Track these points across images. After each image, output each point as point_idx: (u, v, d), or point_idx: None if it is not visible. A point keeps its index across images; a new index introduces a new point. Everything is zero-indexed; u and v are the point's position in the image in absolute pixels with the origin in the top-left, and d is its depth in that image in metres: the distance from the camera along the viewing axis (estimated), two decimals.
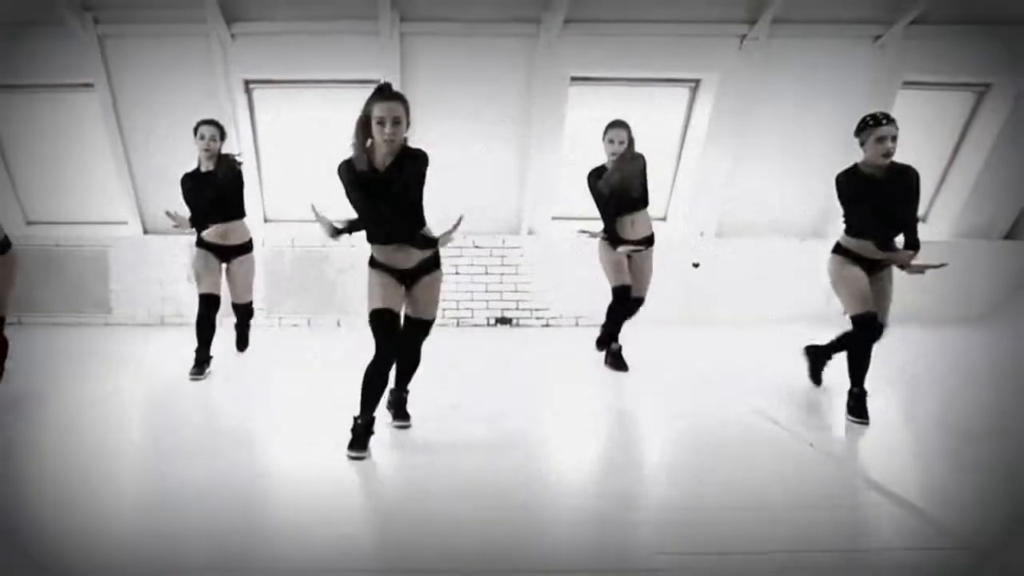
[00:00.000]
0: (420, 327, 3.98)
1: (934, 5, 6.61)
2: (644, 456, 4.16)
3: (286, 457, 3.99)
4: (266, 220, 7.63)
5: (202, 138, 5.26)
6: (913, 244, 4.32)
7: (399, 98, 3.62)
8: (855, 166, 4.36)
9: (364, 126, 3.64)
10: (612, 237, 5.55)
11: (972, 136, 7.45)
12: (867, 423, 4.35)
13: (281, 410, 4.75)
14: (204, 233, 5.43)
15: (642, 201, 5.53)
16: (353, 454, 3.73)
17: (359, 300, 7.42)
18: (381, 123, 3.56)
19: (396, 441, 4.09)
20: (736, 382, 5.40)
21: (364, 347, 5.20)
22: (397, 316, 3.86)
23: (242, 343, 6.05)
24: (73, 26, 6.47)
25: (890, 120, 4.19)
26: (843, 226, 4.59)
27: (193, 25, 6.54)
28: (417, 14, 6.61)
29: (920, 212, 7.91)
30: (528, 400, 4.99)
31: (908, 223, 4.32)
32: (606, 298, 7.66)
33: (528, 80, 6.89)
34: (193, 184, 5.37)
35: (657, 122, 7.35)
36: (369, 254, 3.93)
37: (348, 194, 3.74)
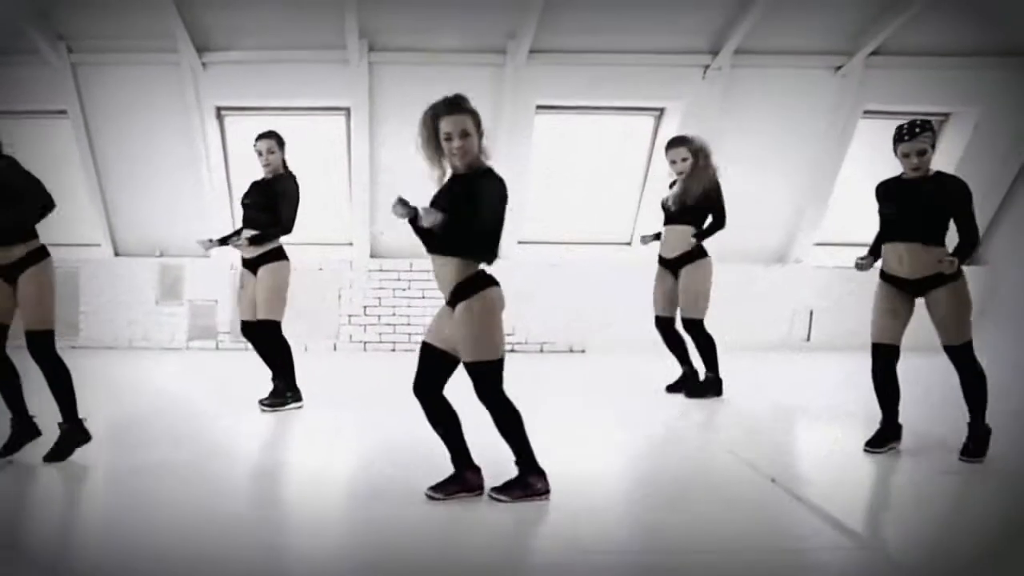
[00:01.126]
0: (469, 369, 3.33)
1: (894, 36, 6.67)
2: (597, 493, 3.84)
3: (249, 481, 3.91)
4: None
5: (260, 153, 5.12)
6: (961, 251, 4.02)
7: (466, 110, 3.24)
8: (900, 175, 4.12)
9: (431, 143, 3.30)
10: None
11: (933, 164, 7.42)
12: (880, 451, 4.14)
13: (242, 437, 4.68)
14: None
15: (679, 215, 5.39)
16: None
17: (326, 325, 7.42)
18: (448, 138, 3.24)
19: (348, 474, 4.04)
20: (697, 411, 5.29)
21: (327, 372, 5.13)
22: (434, 353, 3.38)
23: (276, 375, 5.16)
24: (47, 54, 6.50)
25: (915, 135, 3.90)
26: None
27: (165, 54, 6.57)
28: (385, 43, 6.66)
29: None
30: (489, 430, 4.87)
31: (961, 233, 4.05)
32: (571, 323, 7.66)
33: (495, 108, 6.89)
34: (248, 191, 5.23)
35: (623, 149, 7.41)
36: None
37: None
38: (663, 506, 3.51)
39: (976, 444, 4.06)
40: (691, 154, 5.32)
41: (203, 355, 7.33)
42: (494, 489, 3.39)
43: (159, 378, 5.41)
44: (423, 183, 6.29)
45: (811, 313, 7.58)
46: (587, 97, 7.05)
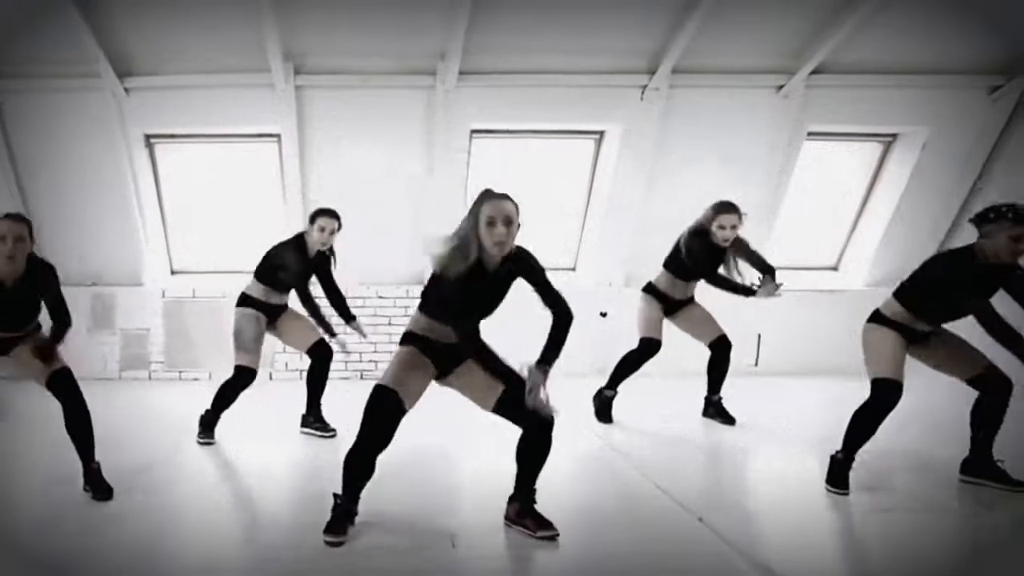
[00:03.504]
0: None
1: (836, 54, 6.08)
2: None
3: (169, 514, 3.53)
4: (172, 272, 7.05)
5: (322, 230, 4.67)
6: None
7: (511, 199, 3.11)
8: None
9: (474, 224, 3.07)
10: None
11: (881, 186, 6.84)
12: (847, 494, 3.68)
13: (175, 468, 4.25)
14: (260, 296, 4.81)
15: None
16: (329, 539, 3.10)
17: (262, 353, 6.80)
18: (492, 223, 3.00)
19: (293, 501, 3.79)
20: (630, 441, 4.74)
21: (260, 401, 5.03)
22: (402, 405, 3.09)
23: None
24: None
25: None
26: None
27: (87, 79, 5.97)
28: (310, 66, 6.05)
29: (831, 261, 7.39)
30: (428, 457, 4.37)
31: None
32: (516, 348, 7.06)
33: (429, 131, 6.32)
34: (301, 267, 4.73)
35: (564, 173, 6.83)
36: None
37: (447, 284, 3.08)
38: (581, 544, 3.15)
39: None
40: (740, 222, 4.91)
41: (136, 384, 6.75)
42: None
43: (93, 409, 4.88)
44: (353, 209, 5.76)
45: (759, 337, 6.97)
46: (523, 120, 6.46)
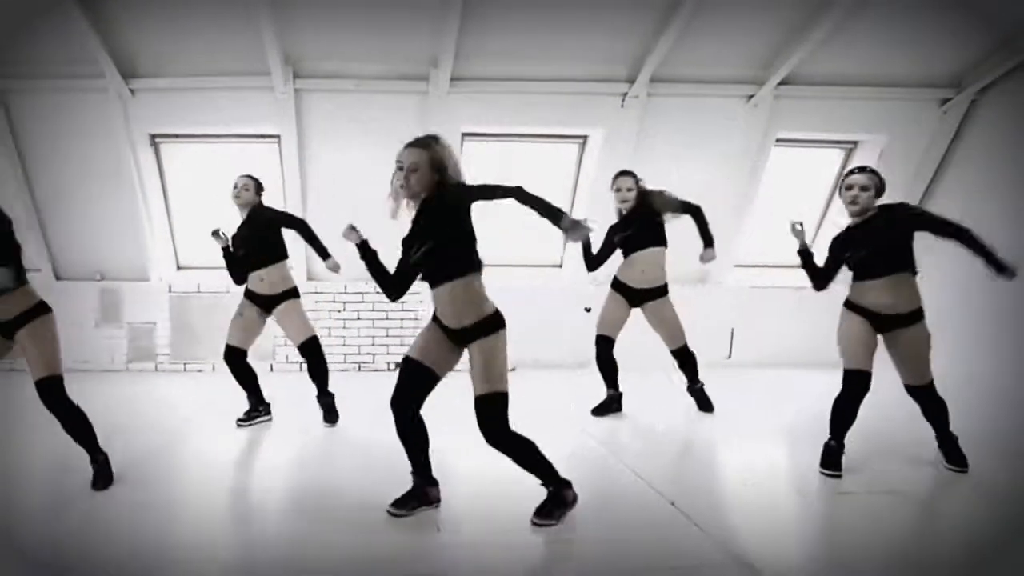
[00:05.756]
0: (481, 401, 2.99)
1: (801, 66, 6.11)
2: (499, 510, 3.30)
3: (189, 500, 3.48)
4: (179, 268, 6.93)
5: (235, 187, 4.68)
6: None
7: (419, 143, 3.07)
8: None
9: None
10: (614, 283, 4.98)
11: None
12: (840, 475, 3.68)
13: (179, 457, 4.17)
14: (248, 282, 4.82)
15: (652, 240, 4.89)
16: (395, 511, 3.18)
17: (262, 346, 6.60)
18: (401, 169, 3.04)
19: (283, 487, 3.72)
20: (612, 431, 4.69)
21: (265, 394, 4.89)
22: (427, 372, 3.06)
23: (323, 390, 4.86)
24: None
25: (863, 170, 3.71)
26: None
27: (92, 80, 5.81)
28: (310, 70, 5.96)
29: (798, 259, 7.43)
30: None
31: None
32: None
33: (422, 135, 6.28)
34: (239, 232, 4.75)
35: (551, 176, 6.81)
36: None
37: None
38: (556, 528, 3.08)
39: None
40: (635, 185, 4.86)
41: (142, 376, 6.63)
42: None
43: (101, 400, 4.75)
44: (353, 208, 5.68)
45: (732, 331, 7.01)
46: (511, 125, 6.41)
